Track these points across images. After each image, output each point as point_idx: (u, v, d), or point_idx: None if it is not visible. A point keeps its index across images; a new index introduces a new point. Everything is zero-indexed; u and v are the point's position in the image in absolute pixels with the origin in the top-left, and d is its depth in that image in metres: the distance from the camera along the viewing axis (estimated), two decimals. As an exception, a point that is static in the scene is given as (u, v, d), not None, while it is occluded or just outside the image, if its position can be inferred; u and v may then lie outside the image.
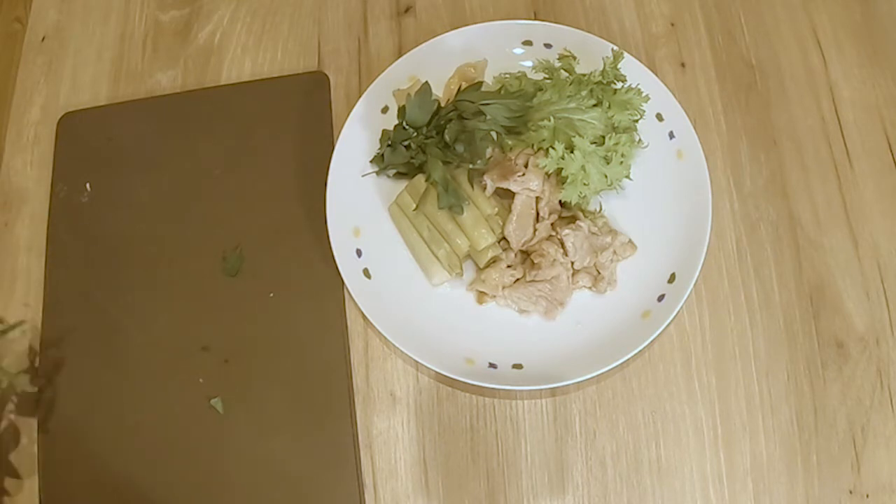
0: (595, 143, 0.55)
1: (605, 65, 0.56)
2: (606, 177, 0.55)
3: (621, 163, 0.55)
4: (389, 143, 0.59)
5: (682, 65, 0.65)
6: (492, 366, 0.55)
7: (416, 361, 0.54)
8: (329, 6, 0.69)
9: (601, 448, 0.54)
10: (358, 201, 0.60)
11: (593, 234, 0.57)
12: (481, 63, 0.63)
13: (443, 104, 0.60)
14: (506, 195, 0.57)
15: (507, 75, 0.61)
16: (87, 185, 0.62)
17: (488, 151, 0.59)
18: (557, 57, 0.59)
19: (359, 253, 0.58)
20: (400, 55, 0.64)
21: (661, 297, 0.56)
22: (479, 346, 0.56)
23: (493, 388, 0.54)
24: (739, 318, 0.57)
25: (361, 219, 0.59)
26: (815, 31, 0.66)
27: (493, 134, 0.58)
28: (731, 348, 0.57)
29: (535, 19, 0.67)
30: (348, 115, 0.61)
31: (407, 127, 0.59)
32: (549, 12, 0.67)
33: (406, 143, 0.59)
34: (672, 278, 0.56)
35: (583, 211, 0.58)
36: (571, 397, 0.56)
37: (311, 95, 0.65)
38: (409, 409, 0.56)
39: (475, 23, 0.64)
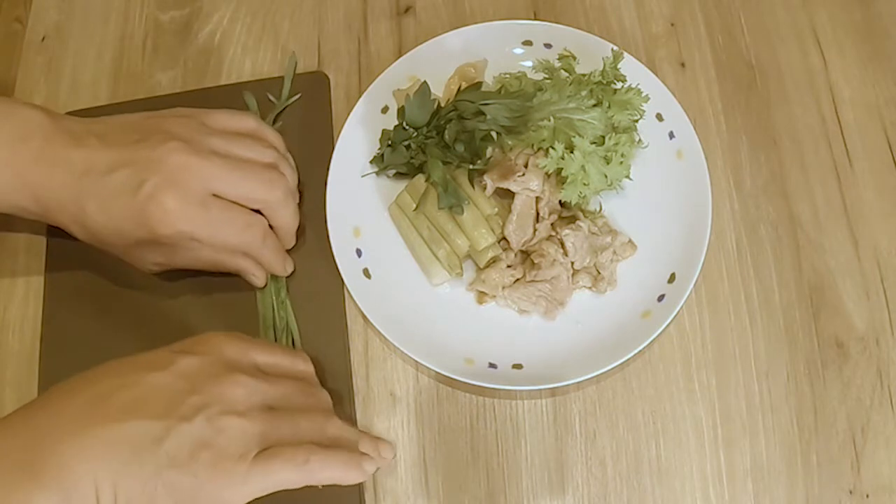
0: (595, 143, 0.55)
1: (605, 65, 0.56)
2: (606, 177, 0.55)
3: (621, 163, 0.55)
4: (389, 143, 0.59)
5: (682, 65, 0.65)
6: (492, 366, 0.55)
7: (416, 361, 0.54)
8: (329, 6, 0.69)
9: (601, 448, 0.54)
10: (358, 201, 0.60)
11: (593, 234, 0.57)
12: (481, 63, 0.63)
13: (443, 104, 0.60)
14: (506, 195, 0.57)
15: (507, 75, 0.61)
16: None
17: (488, 151, 0.59)
18: (557, 57, 0.59)
19: (359, 253, 0.58)
20: (400, 55, 0.64)
21: (661, 297, 0.56)
22: (479, 346, 0.56)
23: (493, 388, 0.54)
24: (739, 318, 0.57)
25: (361, 219, 0.59)
26: (815, 31, 0.66)
27: (493, 134, 0.58)
28: (731, 348, 0.57)
29: (535, 19, 0.67)
30: (348, 115, 0.61)
31: (407, 127, 0.59)
32: (549, 12, 0.67)
33: (406, 143, 0.59)
34: (672, 278, 0.56)
35: (583, 211, 0.58)
36: (571, 397, 0.56)
37: (311, 95, 0.65)
38: (409, 409, 0.56)
39: (475, 23, 0.64)
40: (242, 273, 0.56)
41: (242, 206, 0.53)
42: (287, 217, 0.55)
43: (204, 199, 0.50)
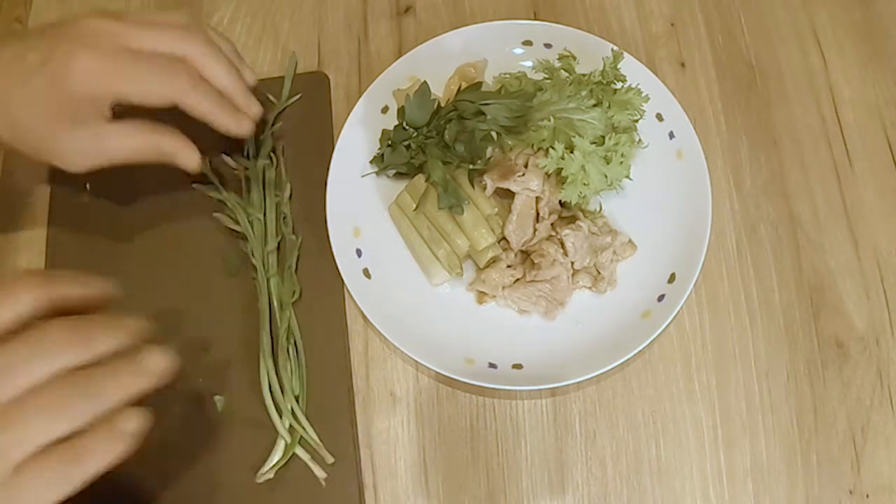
0: (595, 143, 0.55)
1: (605, 65, 0.56)
2: (606, 177, 0.55)
3: (621, 163, 0.55)
4: (389, 143, 0.59)
5: (682, 65, 0.65)
6: (492, 366, 0.55)
7: (416, 361, 0.54)
8: (329, 6, 0.69)
9: (601, 448, 0.54)
10: (358, 201, 0.60)
11: (593, 234, 0.57)
12: (481, 63, 0.63)
13: (443, 104, 0.60)
14: (506, 195, 0.57)
15: (507, 75, 0.61)
16: (87, 186, 0.62)
17: (488, 151, 0.59)
18: (557, 57, 0.59)
19: (359, 253, 0.58)
20: (400, 55, 0.64)
21: (661, 297, 0.56)
22: (479, 346, 0.56)
23: (493, 388, 0.54)
24: (739, 318, 0.57)
25: (361, 219, 0.59)
26: (815, 31, 0.66)
27: (493, 134, 0.58)
28: (731, 348, 0.57)
29: (535, 19, 0.67)
30: (348, 115, 0.61)
31: (407, 127, 0.59)
32: (549, 12, 0.67)
33: (406, 143, 0.59)
34: (672, 278, 0.56)
35: (583, 211, 0.58)
36: (571, 397, 0.56)
37: (311, 95, 0.65)
38: (409, 409, 0.56)
39: (475, 23, 0.64)
40: (174, 156, 0.52)
41: None
42: (220, 70, 0.51)
43: (119, 51, 0.48)
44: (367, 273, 0.58)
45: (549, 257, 0.56)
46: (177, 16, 0.52)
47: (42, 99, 0.48)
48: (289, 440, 0.53)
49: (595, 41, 0.62)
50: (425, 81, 0.59)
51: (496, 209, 0.57)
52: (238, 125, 0.52)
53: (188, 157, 0.52)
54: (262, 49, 0.67)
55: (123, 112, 0.50)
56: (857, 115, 0.63)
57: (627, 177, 0.56)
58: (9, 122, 0.49)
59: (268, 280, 0.57)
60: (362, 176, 0.61)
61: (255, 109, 0.53)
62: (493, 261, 0.57)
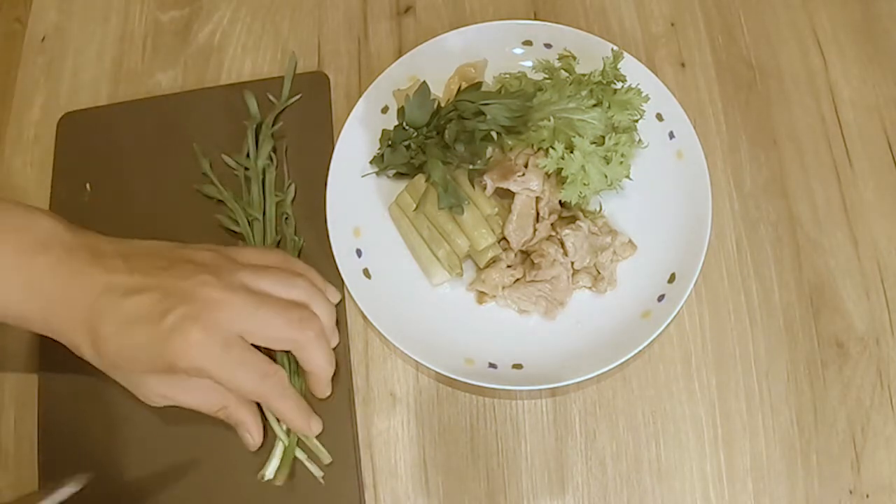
0: (595, 143, 0.55)
1: (605, 65, 0.56)
2: (606, 177, 0.55)
3: (621, 163, 0.55)
4: (389, 143, 0.59)
5: (682, 65, 0.65)
6: (492, 366, 0.55)
7: (416, 361, 0.54)
8: (329, 6, 0.69)
9: (601, 448, 0.54)
10: (358, 201, 0.60)
11: (593, 234, 0.57)
12: (481, 63, 0.63)
13: (443, 104, 0.60)
14: (506, 195, 0.57)
15: (507, 75, 0.61)
16: (87, 185, 0.62)
17: (488, 151, 0.59)
18: (557, 57, 0.59)
19: (359, 253, 0.58)
20: (400, 55, 0.64)
21: (661, 297, 0.56)
22: (479, 346, 0.56)
23: (493, 388, 0.54)
24: (739, 318, 0.57)
25: (361, 219, 0.59)
26: (815, 31, 0.66)
27: (493, 134, 0.58)
28: (731, 348, 0.57)
29: (535, 19, 0.67)
30: (348, 115, 0.61)
31: (407, 127, 0.59)
32: (549, 12, 0.67)
33: (406, 143, 0.59)
34: (672, 278, 0.56)
35: (583, 211, 0.58)
36: (571, 397, 0.56)
37: (311, 95, 0.65)
38: (409, 409, 0.56)
39: (475, 23, 0.64)
40: (241, 428, 0.53)
41: (269, 349, 0.50)
42: (319, 360, 0.51)
43: (228, 338, 0.46)
44: (367, 273, 0.58)
45: (549, 257, 0.56)
46: (294, 286, 0.51)
47: (139, 354, 0.46)
48: (286, 442, 0.53)
49: (595, 41, 0.62)
50: (425, 81, 0.59)
51: (496, 209, 0.57)
52: (308, 427, 0.52)
53: (251, 437, 0.53)
54: (262, 49, 0.67)
55: None
56: (857, 115, 0.63)
57: (627, 177, 0.56)
58: (95, 353, 0.47)
59: None
60: (362, 176, 0.61)
61: (325, 392, 0.54)
62: (493, 261, 0.57)
